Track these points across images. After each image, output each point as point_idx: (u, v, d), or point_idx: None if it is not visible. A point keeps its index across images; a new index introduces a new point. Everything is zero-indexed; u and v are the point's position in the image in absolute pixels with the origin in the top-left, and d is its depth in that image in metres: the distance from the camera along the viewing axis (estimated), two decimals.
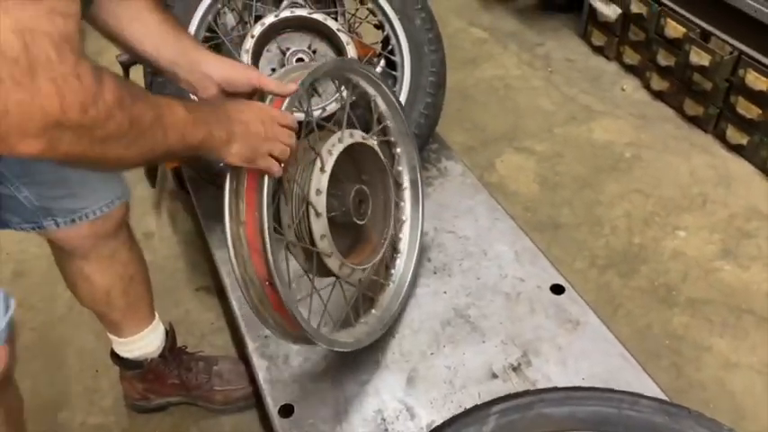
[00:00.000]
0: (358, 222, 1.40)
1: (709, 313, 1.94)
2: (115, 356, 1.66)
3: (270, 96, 1.17)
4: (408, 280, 1.63)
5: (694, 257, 2.11)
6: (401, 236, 1.67)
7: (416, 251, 1.67)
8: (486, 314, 1.61)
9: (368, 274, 1.48)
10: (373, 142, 1.48)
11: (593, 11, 2.96)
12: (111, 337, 1.63)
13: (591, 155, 2.51)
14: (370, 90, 1.54)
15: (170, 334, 1.68)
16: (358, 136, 1.42)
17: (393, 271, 1.63)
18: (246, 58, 1.76)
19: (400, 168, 1.67)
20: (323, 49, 1.92)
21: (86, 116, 0.73)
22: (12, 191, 1.24)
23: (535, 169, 2.45)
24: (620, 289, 2.01)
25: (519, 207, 2.30)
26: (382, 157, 1.50)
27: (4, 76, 0.62)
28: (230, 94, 1.17)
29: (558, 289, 1.67)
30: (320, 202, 1.27)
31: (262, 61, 1.85)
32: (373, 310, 1.56)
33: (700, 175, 2.41)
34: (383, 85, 1.54)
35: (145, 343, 1.63)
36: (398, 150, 1.65)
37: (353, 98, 1.51)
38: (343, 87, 1.49)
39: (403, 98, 1.89)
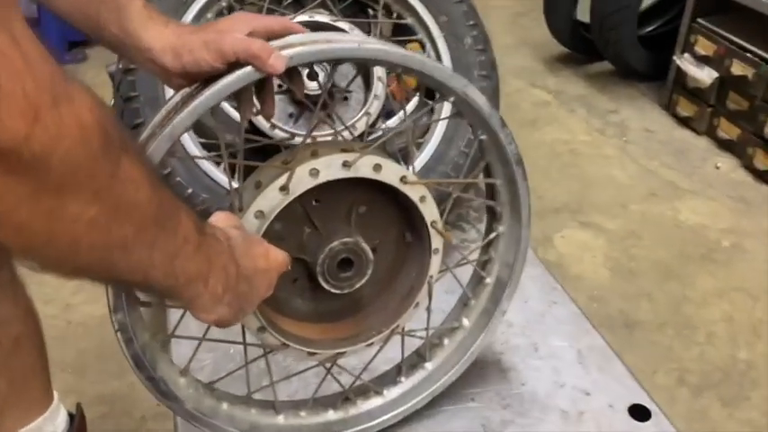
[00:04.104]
0: (328, 289, 0.89)
1: None
2: None
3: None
4: (400, 410, 1.08)
5: None
6: (444, 343, 1.11)
7: (444, 380, 1.10)
8: None
9: (326, 359, 0.97)
10: (423, 194, 0.90)
11: (680, 76, 2.54)
12: None
13: (677, 239, 2.08)
14: (480, 132, 0.97)
15: (77, 420, 1.20)
16: (391, 174, 0.86)
17: (398, 384, 1.08)
18: None
19: (493, 256, 1.10)
20: (344, 66, 1.54)
21: (38, 125, 0.45)
22: None
23: (605, 250, 2.02)
24: (723, 421, 1.53)
25: (582, 295, 1.85)
26: (429, 225, 0.92)
27: None
28: (194, 74, 0.80)
29: (640, 412, 1.17)
30: (256, 227, 0.82)
31: None
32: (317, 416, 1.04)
33: None
34: (501, 135, 0.95)
35: None
36: (501, 230, 1.07)
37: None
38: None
39: (440, 132, 1.47)
